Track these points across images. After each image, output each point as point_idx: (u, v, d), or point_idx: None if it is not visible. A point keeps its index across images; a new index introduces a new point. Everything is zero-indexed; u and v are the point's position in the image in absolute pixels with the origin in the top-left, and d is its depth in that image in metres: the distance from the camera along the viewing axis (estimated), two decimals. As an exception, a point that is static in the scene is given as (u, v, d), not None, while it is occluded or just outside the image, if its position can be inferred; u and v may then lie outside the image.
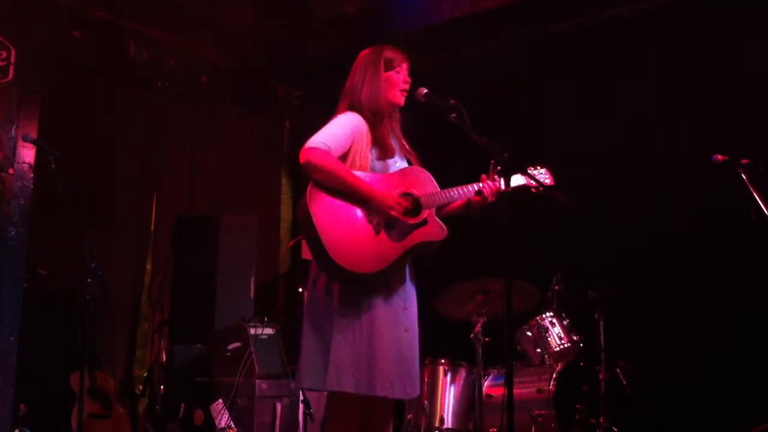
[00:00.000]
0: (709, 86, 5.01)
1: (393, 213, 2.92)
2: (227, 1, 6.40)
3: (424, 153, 3.28)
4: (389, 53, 3.15)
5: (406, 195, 3.03)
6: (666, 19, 5.28)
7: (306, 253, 3.00)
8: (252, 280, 5.83)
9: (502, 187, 3.01)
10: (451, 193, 3.10)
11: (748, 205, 3.34)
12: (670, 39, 5.28)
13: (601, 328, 4.63)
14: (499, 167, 3.07)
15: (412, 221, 2.99)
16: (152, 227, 6.54)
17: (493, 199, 3.14)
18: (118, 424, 5.30)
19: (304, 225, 2.90)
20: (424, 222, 3.01)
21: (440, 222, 3.05)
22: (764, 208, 3.29)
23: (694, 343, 4.84)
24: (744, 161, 3.43)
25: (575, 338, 4.73)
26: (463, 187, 3.13)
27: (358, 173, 2.98)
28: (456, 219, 3.20)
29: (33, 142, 4.73)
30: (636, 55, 5.39)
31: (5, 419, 4.74)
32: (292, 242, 5.26)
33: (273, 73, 7.06)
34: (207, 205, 6.81)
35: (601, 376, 4.51)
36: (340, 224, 2.87)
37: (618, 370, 4.58)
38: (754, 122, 4.75)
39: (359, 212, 2.92)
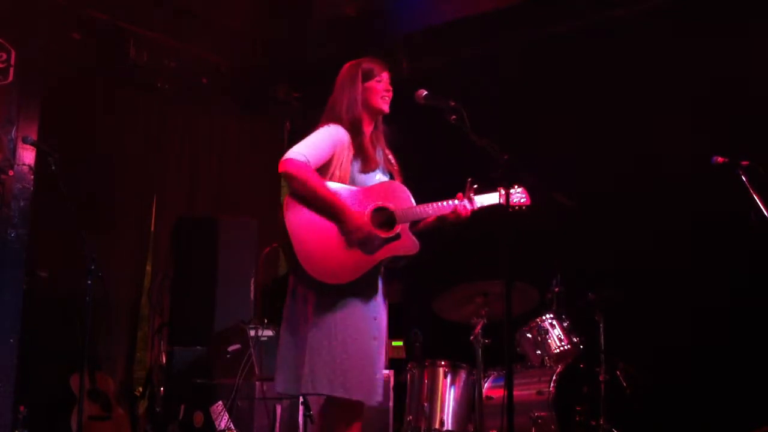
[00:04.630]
0: (709, 86, 5.00)
1: (356, 234, 2.97)
2: (227, 2, 6.40)
3: (423, 154, 3.29)
4: (367, 64, 3.21)
5: (381, 209, 3.09)
6: (666, 19, 5.27)
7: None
8: (252, 282, 5.83)
9: (477, 206, 3.15)
10: (426, 209, 3.15)
11: (748, 206, 3.34)
12: (670, 39, 5.27)
13: (601, 330, 4.62)
14: (475, 185, 3.17)
15: (385, 235, 3.04)
16: (152, 229, 6.54)
17: (467, 219, 3.19)
18: (118, 426, 5.31)
19: (281, 232, 2.98)
20: (398, 236, 3.07)
21: (413, 237, 3.11)
22: (764, 210, 3.29)
23: (694, 343, 4.83)
24: (744, 163, 3.43)
25: (575, 340, 4.73)
26: (439, 203, 3.18)
27: (337, 185, 3.05)
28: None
29: (33, 143, 4.73)
30: (636, 55, 5.38)
31: (5, 421, 4.75)
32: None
33: (273, 75, 7.06)
34: (207, 206, 6.82)
35: (601, 378, 4.50)
36: (313, 235, 2.95)
37: (618, 372, 4.57)
38: (755, 123, 4.75)
39: (333, 224, 2.99)
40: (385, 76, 3.20)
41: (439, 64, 6.24)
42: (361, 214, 3.01)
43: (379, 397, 3.04)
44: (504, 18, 5.77)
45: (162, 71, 6.37)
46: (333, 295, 2.99)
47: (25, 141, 4.69)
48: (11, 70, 4.96)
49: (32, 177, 5.04)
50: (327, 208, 2.98)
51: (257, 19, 6.57)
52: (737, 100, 4.87)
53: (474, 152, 3.11)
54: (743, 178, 3.40)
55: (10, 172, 4.92)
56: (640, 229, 5.15)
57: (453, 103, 3.10)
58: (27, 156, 5.03)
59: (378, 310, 3.09)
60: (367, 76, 3.18)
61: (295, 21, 6.59)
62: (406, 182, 3.27)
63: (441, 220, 3.21)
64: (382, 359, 3.10)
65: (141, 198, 6.49)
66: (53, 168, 4.21)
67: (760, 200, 3.32)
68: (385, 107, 3.19)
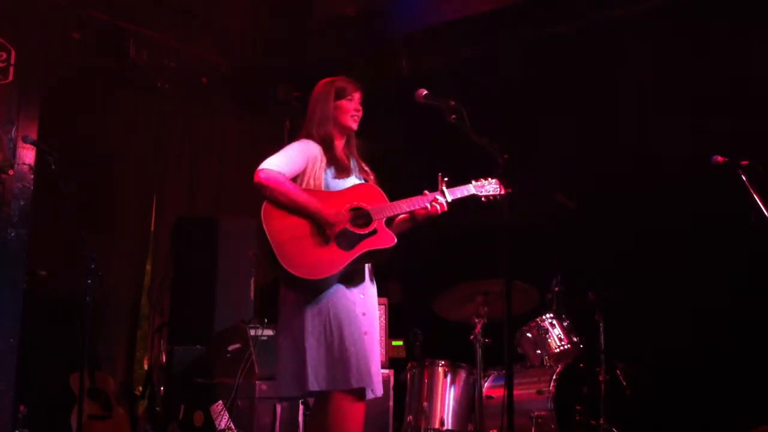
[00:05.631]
0: (709, 86, 5.00)
1: (334, 228, 3.09)
2: (227, 2, 6.40)
3: (422, 154, 3.30)
4: (341, 83, 3.35)
5: (357, 209, 3.19)
6: (666, 19, 5.27)
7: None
8: (252, 282, 5.83)
9: (449, 199, 3.25)
10: (401, 206, 3.26)
11: (748, 206, 3.34)
12: (670, 39, 5.27)
13: (601, 330, 4.63)
14: (446, 179, 3.28)
15: (361, 231, 3.15)
16: (152, 228, 6.53)
17: (439, 213, 3.28)
18: (118, 425, 5.30)
19: (259, 239, 3.10)
20: (374, 232, 3.17)
21: (390, 232, 3.21)
22: (764, 209, 3.29)
23: (694, 343, 4.84)
24: (744, 162, 3.43)
25: (575, 340, 4.73)
26: (412, 199, 3.27)
27: (312, 190, 3.17)
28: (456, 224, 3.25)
29: (33, 143, 4.73)
30: (636, 55, 5.38)
31: (5, 420, 4.75)
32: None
33: (273, 74, 7.05)
34: (207, 206, 6.81)
35: (601, 378, 4.51)
36: (292, 236, 3.08)
37: (618, 372, 4.57)
38: (755, 123, 4.75)
39: (310, 225, 3.11)
40: (356, 95, 3.33)
41: (439, 64, 6.24)
42: (338, 211, 3.12)
43: (378, 390, 3.14)
44: (504, 18, 5.76)
45: (162, 71, 6.36)
46: (319, 293, 3.10)
47: (25, 140, 4.68)
48: (11, 70, 4.96)
49: (32, 176, 5.04)
50: (302, 209, 3.10)
51: (257, 19, 6.57)
52: (737, 100, 4.87)
53: (473, 151, 3.12)
54: (743, 178, 3.40)
55: (11, 172, 4.92)
56: (641, 229, 5.15)
57: (453, 103, 3.13)
58: (27, 155, 5.03)
59: (366, 306, 3.20)
60: (340, 94, 3.32)
61: (295, 21, 6.59)
62: (405, 183, 3.30)
63: (413, 216, 3.31)
64: (377, 353, 3.20)
65: (141, 198, 6.48)
66: (53, 167, 4.21)
67: (760, 200, 3.32)
68: (354, 125, 3.33)
